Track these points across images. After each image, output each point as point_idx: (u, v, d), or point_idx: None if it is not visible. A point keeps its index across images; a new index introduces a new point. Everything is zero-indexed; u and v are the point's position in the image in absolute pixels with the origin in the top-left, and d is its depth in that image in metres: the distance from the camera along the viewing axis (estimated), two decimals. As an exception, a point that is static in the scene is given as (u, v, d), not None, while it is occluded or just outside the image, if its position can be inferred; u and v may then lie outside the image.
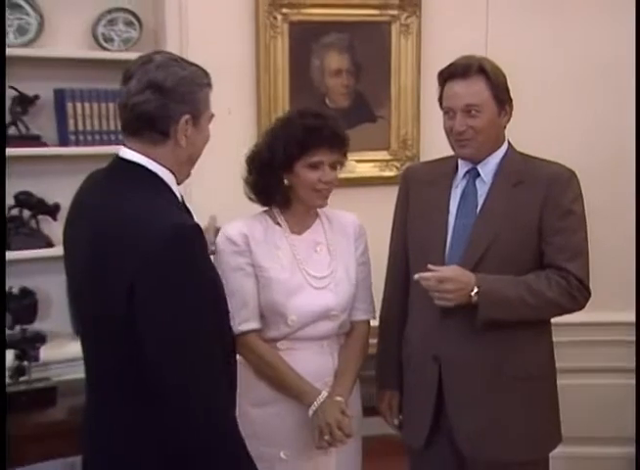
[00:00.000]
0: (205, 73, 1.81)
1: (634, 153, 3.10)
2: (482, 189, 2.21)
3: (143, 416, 1.73)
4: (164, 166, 1.75)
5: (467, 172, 2.23)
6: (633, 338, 3.07)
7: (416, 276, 2.09)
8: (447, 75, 2.18)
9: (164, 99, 1.71)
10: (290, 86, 3.05)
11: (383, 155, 3.18)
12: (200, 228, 1.70)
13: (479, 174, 2.22)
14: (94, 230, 1.73)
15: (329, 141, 2.14)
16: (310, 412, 2.14)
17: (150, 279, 1.63)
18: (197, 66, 1.81)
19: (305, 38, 3.06)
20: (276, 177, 2.18)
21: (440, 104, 2.22)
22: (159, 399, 1.67)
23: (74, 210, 1.85)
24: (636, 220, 3.00)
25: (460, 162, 2.25)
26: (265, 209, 2.28)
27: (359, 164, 3.01)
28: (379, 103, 3.18)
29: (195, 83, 1.75)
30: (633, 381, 3.09)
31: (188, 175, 1.85)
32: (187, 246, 1.65)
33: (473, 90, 2.13)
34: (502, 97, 2.16)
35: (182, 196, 1.84)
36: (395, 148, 3.19)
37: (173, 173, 1.78)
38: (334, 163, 2.18)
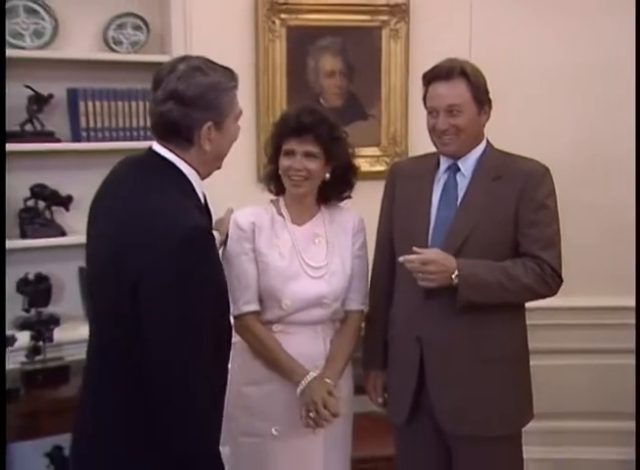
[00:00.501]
0: (231, 76, 1.79)
1: (629, 146, 3.12)
2: (463, 183, 2.27)
3: (132, 405, 1.71)
4: (191, 166, 1.77)
5: (448, 168, 2.29)
6: (601, 321, 3.21)
7: (401, 259, 2.14)
8: (431, 77, 2.25)
9: (186, 108, 1.71)
10: (287, 86, 3.10)
11: (373, 151, 3.22)
12: (209, 231, 1.70)
13: (459, 169, 2.28)
14: (119, 217, 1.73)
15: (295, 131, 2.21)
16: (298, 391, 2.20)
17: (157, 274, 1.62)
18: (223, 69, 1.79)
19: (302, 41, 3.10)
20: (273, 164, 2.30)
21: (425, 104, 2.28)
22: (146, 387, 1.66)
23: (104, 187, 1.86)
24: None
25: (442, 157, 2.31)
26: (272, 199, 2.37)
27: None
28: (370, 102, 3.21)
29: (218, 89, 1.74)
30: (604, 361, 3.23)
31: (211, 173, 1.86)
32: (197, 247, 1.64)
33: (455, 92, 2.20)
34: (481, 98, 2.23)
35: (205, 195, 1.85)
36: (385, 144, 3.24)
37: (198, 172, 1.79)
38: (307, 152, 2.23)
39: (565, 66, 3.21)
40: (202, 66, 1.76)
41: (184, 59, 1.79)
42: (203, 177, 1.83)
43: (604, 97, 3.23)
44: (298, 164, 2.23)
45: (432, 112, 2.25)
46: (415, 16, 3.18)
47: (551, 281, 2.22)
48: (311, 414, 2.16)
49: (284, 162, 2.26)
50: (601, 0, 3.18)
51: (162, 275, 1.62)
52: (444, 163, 2.31)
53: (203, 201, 1.83)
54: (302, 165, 2.23)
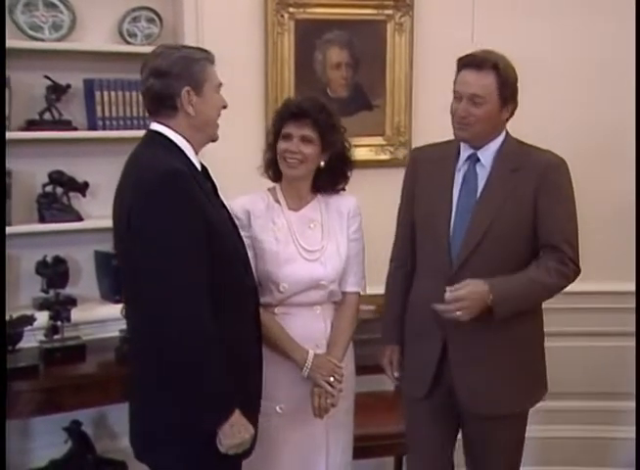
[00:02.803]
0: (202, 51, 2.03)
1: (630, 138, 3.19)
2: (482, 174, 2.29)
3: (139, 329, 2.00)
4: (182, 136, 2.00)
5: (468, 158, 2.31)
6: (604, 305, 3.27)
7: (436, 306, 2.15)
8: (464, 63, 2.26)
9: (163, 79, 1.96)
10: (295, 78, 3.15)
11: (378, 140, 3.26)
12: (185, 173, 1.91)
13: (479, 160, 2.29)
14: (121, 182, 2.01)
15: (294, 115, 2.29)
16: (305, 373, 2.28)
17: (140, 207, 1.87)
18: (196, 48, 2.03)
19: (309, 35, 3.15)
20: (272, 151, 2.36)
21: (454, 87, 2.28)
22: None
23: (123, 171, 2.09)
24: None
25: (462, 146, 2.32)
26: (269, 187, 2.43)
27: (356, 149, 2.96)
28: (375, 93, 3.25)
29: (189, 60, 1.97)
30: (603, 343, 3.30)
31: (205, 143, 2.07)
32: (173, 184, 1.86)
33: (482, 82, 2.20)
34: (507, 95, 2.23)
35: (203, 164, 2.06)
36: (389, 134, 3.28)
37: (190, 143, 2.01)
38: (304, 136, 2.29)
39: (568, 59, 3.24)
40: (176, 46, 2.05)
41: (163, 45, 2.08)
42: (196, 148, 2.04)
43: (606, 90, 3.27)
44: (295, 146, 2.29)
45: (456, 96, 2.26)
46: (419, 10, 3.22)
47: (572, 275, 2.28)
48: (329, 384, 2.25)
49: (281, 145, 2.32)
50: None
51: (145, 207, 1.87)
52: (464, 152, 2.33)
53: (200, 168, 2.03)
54: (298, 149, 2.29)
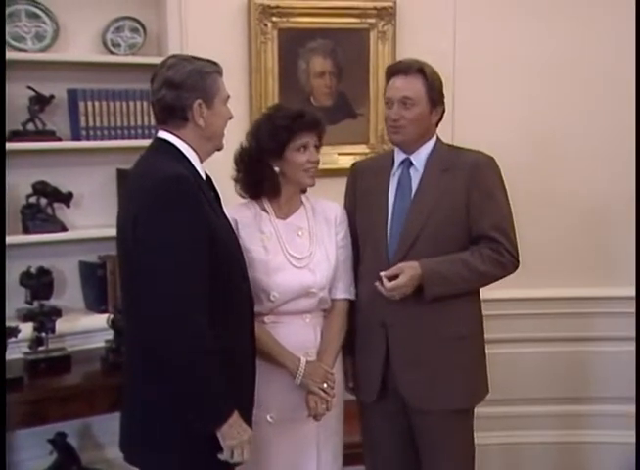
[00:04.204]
0: (213, 64, 2.07)
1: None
2: (416, 176, 2.40)
3: (133, 329, 2.03)
4: (189, 145, 2.04)
5: (402, 162, 2.42)
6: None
7: (376, 285, 2.29)
8: (392, 71, 2.39)
9: (176, 91, 2.00)
10: (279, 86, 3.15)
11: (362, 148, 3.27)
12: (189, 179, 1.94)
13: (412, 164, 2.40)
14: (127, 188, 2.06)
15: (311, 124, 2.32)
16: (298, 381, 2.29)
17: (144, 211, 1.90)
18: (206, 60, 2.07)
19: (293, 43, 3.16)
20: (267, 167, 2.33)
21: (384, 95, 2.42)
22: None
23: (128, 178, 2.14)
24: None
25: (396, 153, 2.44)
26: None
27: (340, 157, 3.17)
28: (359, 101, 3.27)
29: (201, 72, 2.02)
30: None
31: (212, 152, 2.11)
32: (174, 188, 1.90)
33: (410, 86, 2.34)
34: (435, 98, 2.36)
35: (207, 174, 2.10)
36: (374, 142, 3.29)
37: (197, 152, 2.05)
38: (317, 144, 2.35)
39: (548, 63, 3.29)
40: (187, 57, 2.07)
41: (174, 55, 2.12)
42: (202, 157, 2.08)
43: (598, 92, 3.32)
44: (315, 156, 2.34)
45: (387, 102, 2.39)
46: (402, 18, 3.24)
47: (507, 263, 2.36)
48: (322, 390, 2.28)
49: (299, 156, 2.32)
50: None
51: (149, 213, 1.90)
52: (398, 157, 2.44)
53: (204, 177, 2.07)
54: (316, 158, 2.35)
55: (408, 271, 2.28)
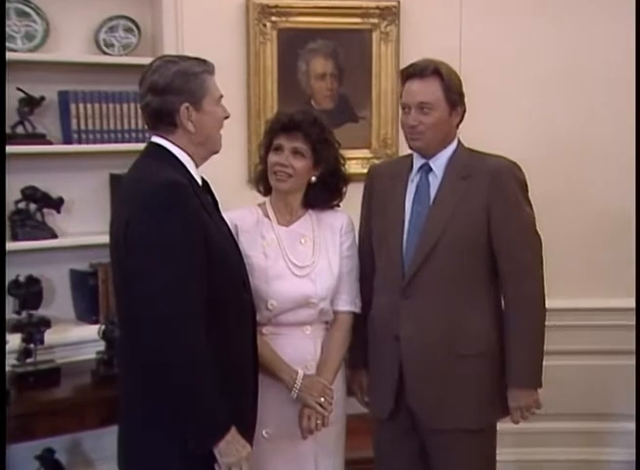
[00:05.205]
0: (202, 62, 1.99)
1: (622, 144, 3.22)
2: (434, 182, 2.33)
3: (128, 343, 1.98)
4: (183, 150, 1.98)
5: (420, 167, 2.35)
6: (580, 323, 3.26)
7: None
8: (407, 74, 2.32)
9: (162, 96, 1.93)
10: (278, 88, 3.13)
11: (364, 153, 3.24)
12: (184, 185, 1.89)
13: (431, 169, 2.34)
14: (120, 193, 2.04)
15: (286, 127, 2.26)
16: (294, 394, 2.24)
17: (138, 219, 1.85)
18: (195, 59, 1.99)
19: (293, 44, 3.13)
20: (265, 164, 2.33)
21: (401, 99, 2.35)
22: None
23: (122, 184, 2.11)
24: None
25: (414, 158, 2.37)
26: (259, 203, 2.39)
27: None
28: (361, 105, 3.24)
29: (186, 74, 1.94)
30: (577, 362, 3.29)
31: (208, 156, 2.05)
32: (168, 194, 1.86)
33: (427, 90, 2.26)
34: (454, 99, 2.29)
35: (204, 179, 2.05)
36: (376, 146, 3.27)
37: (191, 157, 2.00)
38: (295, 149, 2.26)
39: (557, 64, 3.27)
40: (174, 58, 2.00)
41: (162, 57, 2.05)
42: (197, 162, 2.03)
43: (600, 95, 3.29)
44: (285, 159, 2.27)
45: (404, 107, 2.32)
46: (405, 19, 3.22)
47: (534, 309, 2.34)
48: (318, 404, 2.23)
49: (272, 157, 2.30)
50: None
51: (141, 219, 1.86)
52: (417, 162, 2.38)
53: (200, 182, 2.02)
54: (288, 162, 2.27)
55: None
